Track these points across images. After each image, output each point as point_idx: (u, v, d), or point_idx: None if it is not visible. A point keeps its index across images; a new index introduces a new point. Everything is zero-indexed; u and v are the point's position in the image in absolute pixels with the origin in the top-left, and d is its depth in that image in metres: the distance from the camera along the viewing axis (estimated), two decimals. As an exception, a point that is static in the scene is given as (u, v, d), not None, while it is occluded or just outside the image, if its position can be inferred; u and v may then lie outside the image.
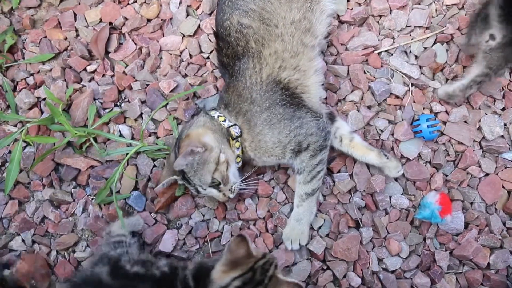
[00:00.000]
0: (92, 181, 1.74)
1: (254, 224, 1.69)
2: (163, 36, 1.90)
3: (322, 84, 1.70)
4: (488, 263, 1.64)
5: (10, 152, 1.80)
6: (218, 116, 1.56)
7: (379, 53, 1.82)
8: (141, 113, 1.79)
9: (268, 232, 1.68)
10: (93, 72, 1.87)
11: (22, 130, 1.70)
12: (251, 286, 1.21)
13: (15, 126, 1.84)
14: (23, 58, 1.92)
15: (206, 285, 1.24)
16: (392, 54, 1.83)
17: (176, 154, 1.52)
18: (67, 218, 1.75)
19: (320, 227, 1.67)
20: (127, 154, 1.71)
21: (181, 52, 1.87)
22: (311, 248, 1.64)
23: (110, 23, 1.91)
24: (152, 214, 1.72)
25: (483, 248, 1.65)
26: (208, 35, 1.86)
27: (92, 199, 1.74)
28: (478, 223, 1.68)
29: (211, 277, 1.24)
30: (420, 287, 1.63)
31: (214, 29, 1.68)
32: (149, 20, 1.92)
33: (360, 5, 1.86)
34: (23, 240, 1.73)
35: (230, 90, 1.58)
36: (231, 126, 1.54)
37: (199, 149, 1.46)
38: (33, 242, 1.73)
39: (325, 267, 1.65)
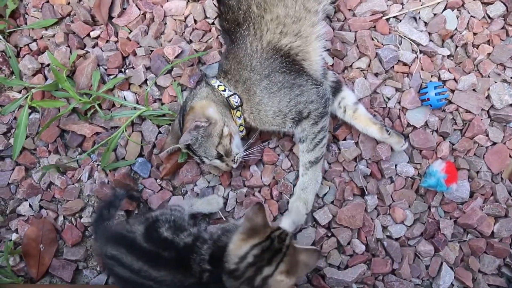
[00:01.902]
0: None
1: (259, 191, 1.70)
2: (167, 1, 1.86)
3: (328, 50, 1.67)
4: (492, 231, 1.65)
5: (15, 118, 1.80)
6: (218, 86, 1.54)
7: (387, 19, 1.78)
8: (146, 79, 1.77)
9: (273, 199, 1.69)
10: (97, 37, 1.85)
11: (27, 96, 1.69)
12: (269, 254, 1.19)
13: (20, 92, 1.83)
14: (26, 23, 1.89)
15: (223, 264, 1.22)
16: (400, 20, 1.79)
17: (180, 123, 1.52)
18: (73, 184, 1.76)
19: (325, 195, 1.67)
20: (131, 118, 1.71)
21: (185, 18, 1.84)
22: (316, 217, 1.64)
23: (114, -13, 1.87)
24: (158, 180, 1.72)
25: (488, 217, 1.65)
26: (213, 0, 1.82)
27: (98, 165, 1.74)
28: (483, 192, 1.68)
29: (228, 250, 1.22)
30: (423, 254, 1.64)
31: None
32: (153, -15, 1.88)
33: (369, -31, 1.81)
34: (30, 206, 1.75)
35: (230, 56, 1.56)
36: (231, 95, 1.53)
37: (203, 123, 1.47)
38: (40, 207, 1.75)
39: (329, 234, 1.66)
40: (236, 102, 1.53)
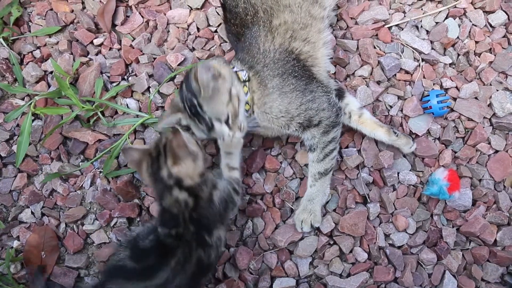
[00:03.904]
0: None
1: (262, 199, 1.70)
2: (170, 9, 1.87)
3: (331, 58, 1.68)
4: (495, 240, 1.65)
5: (18, 125, 1.80)
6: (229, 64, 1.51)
7: (389, 28, 1.80)
8: (149, 87, 1.78)
9: (276, 206, 1.69)
10: (100, 45, 1.86)
11: (31, 103, 1.70)
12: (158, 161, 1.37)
13: (23, 99, 1.83)
14: (29, 31, 1.90)
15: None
16: (402, 29, 1.80)
17: (182, 87, 1.45)
18: (75, 191, 1.76)
19: (327, 203, 1.67)
20: (134, 125, 1.71)
21: (188, 26, 1.85)
22: (319, 226, 1.64)
23: (117, -4, 1.88)
24: (160, 188, 1.72)
25: (491, 225, 1.65)
26: (216, 8, 1.84)
27: (100, 172, 1.74)
28: (486, 200, 1.67)
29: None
30: (426, 262, 1.64)
31: (222, 1, 1.65)
32: (156, -7, 1.89)
33: (371, -22, 1.82)
34: (32, 213, 1.75)
35: (244, 51, 1.54)
36: (240, 71, 1.48)
37: (216, 72, 1.38)
38: (42, 214, 1.75)
39: (331, 242, 1.66)
40: (244, 76, 1.48)
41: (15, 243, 1.71)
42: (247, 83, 1.48)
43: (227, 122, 1.41)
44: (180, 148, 1.33)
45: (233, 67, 1.50)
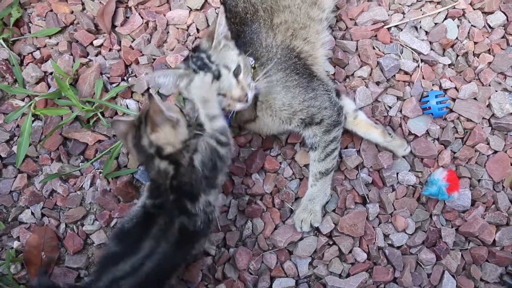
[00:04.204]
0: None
1: (261, 199, 1.70)
2: (170, 10, 1.88)
3: (329, 59, 1.69)
4: (494, 240, 1.65)
5: (18, 126, 1.80)
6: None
7: (388, 28, 1.80)
8: (148, 88, 1.78)
9: (275, 207, 1.69)
10: (100, 46, 1.86)
11: (31, 104, 1.70)
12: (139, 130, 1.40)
13: (23, 100, 1.83)
14: (29, 32, 1.90)
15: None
16: (401, 30, 1.81)
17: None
18: (75, 191, 1.76)
19: (327, 203, 1.67)
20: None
21: (188, 26, 1.85)
22: (319, 226, 1.64)
23: (117, -3, 1.89)
24: (160, 188, 1.73)
25: (489, 225, 1.65)
26: (215, 9, 1.84)
27: (100, 173, 1.75)
28: (485, 200, 1.68)
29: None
30: (425, 262, 1.64)
31: (222, 0, 1.66)
32: (155, -6, 1.90)
33: (370, -21, 1.83)
34: (32, 213, 1.75)
35: (246, 45, 1.54)
36: (247, 57, 1.47)
37: (226, 30, 1.40)
38: (42, 215, 1.75)
39: (331, 242, 1.66)
40: (251, 61, 1.47)
41: (15, 244, 1.71)
42: (252, 70, 1.47)
43: (236, 74, 1.37)
44: (156, 114, 1.31)
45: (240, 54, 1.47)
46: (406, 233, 1.67)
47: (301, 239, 1.65)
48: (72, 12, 1.91)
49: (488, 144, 1.71)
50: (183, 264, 1.39)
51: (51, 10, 1.91)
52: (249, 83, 1.40)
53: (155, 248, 1.30)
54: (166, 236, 1.31)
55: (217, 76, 1.36)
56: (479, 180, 1.70)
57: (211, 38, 1.38)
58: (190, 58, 1.43)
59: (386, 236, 1.67)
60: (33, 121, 1.78)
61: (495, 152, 1.71)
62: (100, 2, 1.90)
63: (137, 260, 1.29)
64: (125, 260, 1.30)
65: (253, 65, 1.48)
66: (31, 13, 1.93)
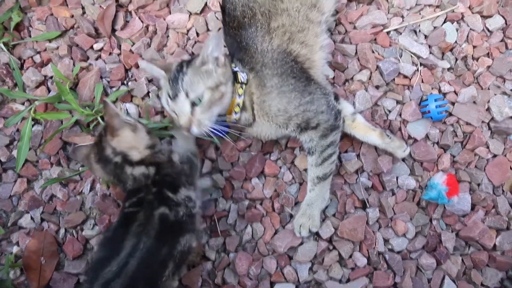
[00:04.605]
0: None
1: (261, 204, 1.70)
2: (170, 14, 1.88)
3: (328, 62, 1.69)
4: (494, 244, 1.64)
5: (18, 130, 1.80)
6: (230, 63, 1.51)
7: (387, 32, 1.80)
8: (148, 92, 1.78)
9: (275, 211, 1.69)
10: (100, 50, 1.86)
11: (31, 108, 1.70)
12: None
13: (23, 104, 1.84)
14: (30, 36, 1.91)
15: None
16: (401, 33, 1.81)
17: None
18: (75, 196, 1.76)
19: (326, 207, 1.67)
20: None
21: (188, 30, 1.86)
22: (319, 230, 1.63)
23: (117, 1, 1.90)
24: (159, 192, 1.73)
25: (490, 229, 1.65)
26: (215, 13, 1.84)
27: (100, 178, 1.75)
28: (485, 204, 1.68)
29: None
30: (425, 267, 1.64)
31: (221, 4, 1.66)
32: (155, -2, 1.90)
33: (369, -17, 1.83)
34: (32, 218, 1.75)
35: (242, 51, 1.55)
36: (239, 71, 1.49)
37: (218, 54, 1.42)
38: (42, 220, 1.75)
39: (331, 247, 1.66)
40: (243, 78, 1.49)
41: (15, 249, 1.71)
42: (243, 86, 1.49)
43: (193, 104, 1.40)
44: (113, 118, 1.34)
45: (235, 67, 1.51)
46: (406, 237, 1.66)
47: (301, 244, 1.65)
48: (72, 16, 1.91)
49: (488, 148, 1.71)
50: (172, 262, 1.34)
51: (52, 14, 1.92)
52: (200, 119, 1.42)
53: (137, 245, 1.30)
54: (147, 230, 1.31)
55: (173, 96, 1.41)
56: (478, 184, 1.70)
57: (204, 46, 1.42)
58: (182, 65, 1.46)
59: (386, 241, 1.67)
60: (33, 125, 1.78)
61: (495, 156, 1.71)
62: (100, 6, 1.91)
63: (121, 260, 1.28)
64: (111, 262, 1.29)
65: (245, 81, 1.49)
66: (31, 17, 1.94)
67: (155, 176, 1.38)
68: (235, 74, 1.49)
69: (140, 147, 1.38)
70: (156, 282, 1.32)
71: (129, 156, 1.36)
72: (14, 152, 1.78)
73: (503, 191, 1.70)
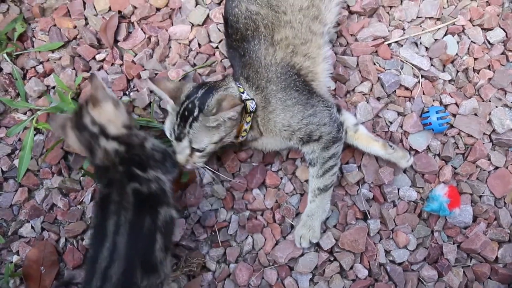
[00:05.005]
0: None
1: (262, 215, 1.70)
2: (172, 25, 1.89)
3: (331, 74, 1.69)
4: (496, 257, 1.64)
5: (19, 140, 1.81)
6: (238, 87, 1.52)
7: (389, 44, 1.81)
8: (150, 102, 1.79)
9: (276, 222, 1.68)
10: (102, 60, 1.88)
11: (33, 118, 1.71)
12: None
13: (25, 114, 1.84)
14: (33, 46, 1.92)
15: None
16: (402, 45, 1.82)
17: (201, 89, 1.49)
18: (75, 206, 1.76)
19: (327, 219, 1.66)
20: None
21: (190, 42, 1.87)
22: (320, 241, 1.63)
23: (119, 12, 1.91)
24: (160, 203, 1.72)
25: (492, 241, 1.64)
26: (217, 24, 1.86)
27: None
28: (486, 216, 1.67)
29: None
30: (427, 279, 1.63)
31: (224, 16, 1.67)
32: (158, 9, 1.92)
33: (370, -5, 1.85)
34: (32, 227, 1.74)
35: (247, 67, 1.55)
36: (249, 99, 1.50)
37: (235, 115, 1.43)
38: (42, 229, 1.75)
39: (332, 259, 1.65)
40: (252, 108, 1.50)
41: (15, 258, 1.71)
42: (252, 114, 1.51)
43: (192, 149, 1.46)
44: (98, 90, 1.36)
45: (243, 92, 1.50)
46: (407, 249, 1.66)
47: (302, 255, 1.64)
48: (75, 27, 1.93)
49: (489, 160, 1.71)
50: (159, 234, 1.33)
51: (55, 25, 1.93)
52: (196, 162, 1.50)
53: (118, 221, 1.29)
54: (123, 205, 1.31)
55: (177, 137, 1.46)
56: (480, 196, 1.69)
57: (222, 106, 1.40)
58: (197, 90, 1.47)
59: (387, 252, 1.66)
60: (34, 135, 1.78)
61: (496, 168, 1.71)
62: (103, 17, 1.92)
63: (109, 243, 1.28)
64: (102, 249, 1.29)
65: (253, 109, 1.50)
66: (35, 28, 1.95)
67: (124, 153, 1.37)
68: (243, 102, 1.48)
69: (118, 124, 1.37)
70: (151, 258, 1.31)
71: (107, 129, 1.36)
72: (16, 162, 1.78)
73: (505, 203, 1.70)
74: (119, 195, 1.33)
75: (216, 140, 1.46)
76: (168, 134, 1.50)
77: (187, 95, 1.47)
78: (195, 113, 1.43)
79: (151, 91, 1.80)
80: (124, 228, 1.28)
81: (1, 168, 1.78)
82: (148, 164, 1.40)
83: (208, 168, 1.56)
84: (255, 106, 1.51)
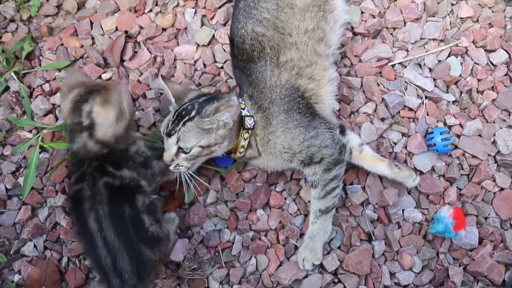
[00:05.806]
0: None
1: (266, 235, 1.69)
2: (178, 45, 1.92)
3: (336, 95, 1.70)
4: (504, 280, 1.62)
5: (24, 157, 1.81)
6: (239, 102, 1.53)
7: (392, 65, 1.82)
8: (155, 122, 1.80)
9: (280, 243, 1.67)
10: (108, 80, 1.89)
11: (39, 136, 1.72)
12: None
13: (30, 132, 1.85)
14: (40, 65, 1.94)
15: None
16: (406, 67, 1.83)
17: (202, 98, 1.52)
18: (79, 224, 1.75)
19: (332, 240, 1.65)
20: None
21: (195, 62, 1.88)
22: (324, 263, 1.61)
23: (126, 32, 1.93)
24: (164, 222, 1.72)
25: (498, 264, 1.62)
26: (222, 45, 1.88)
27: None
28: (492, 238, 1.66)
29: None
30: (432, 302, 1.61)
31: (230, 37, 1.69)
32: (164, 29, 1.94)
33: (374, 17, 1.87)
34: (35, 246, 1.73)
35: (252, 86, 1.57)
36: (247, 116, 1.51)
37: (230, 121, 1.44)
38: (45, 248, 1.74)
39: (336, 280, 1.64)
40: (249, 124, 1.51)
41: (16, 277, 1.69)
42: (250, 131, 1.52)
43: (179, 149, 1.46)
44: (115, 94, 1.36)
45: (244, 108, 1.52)
46: (412, 271, 1.64)
47: (306, 276, 1.63)
48: (82, 46, 1.95)
49: (494, 181, 1.70)
50: (146, 215, 1.36)
51: (62, 44, 1.96)
52: (180, 164, 1.48)
53: (97, 216, 1.31)
54: (97, 199, 1.33)
55: (168, 133, 1.47)
56: (486, 218, 1.68)
57: (218, 110, 1.43)
58: (194, 106, 1.47)
59: (392, 275, 1.64)
60: (39, 153, 1.79)
61: (502, 189, 1.70)
62: (109, 37, 1.95)
63: (100, 241, 1.30)
64: (97, 252, 1.31)
65: (251, 126, 1.51)
66: (42, 47, 1.98)
67: (103, 153, 1.37)
68: (242, 118, 1.51)
69: (108, 132, 1.35)
70: (147, 235, 1.35)
71: (95, 130, 1.33)
72: (20, 179, 1.78)
73: (511, 225, 1.69)
74: (90, 189, 1.34)
75: (203, 144, 1.45)
76: (161, 129, 1.52)
77: (191, 99, 1.51)
78: (192, 114, 1.45)
79: (156, 110, 1.82)
80: (106, 222, 1.30)
81: (6, 186, 1.78)
82: (125, 164, 1.40)
83: (190, 174, 1.52)
84: (253, 124, 1.52)
